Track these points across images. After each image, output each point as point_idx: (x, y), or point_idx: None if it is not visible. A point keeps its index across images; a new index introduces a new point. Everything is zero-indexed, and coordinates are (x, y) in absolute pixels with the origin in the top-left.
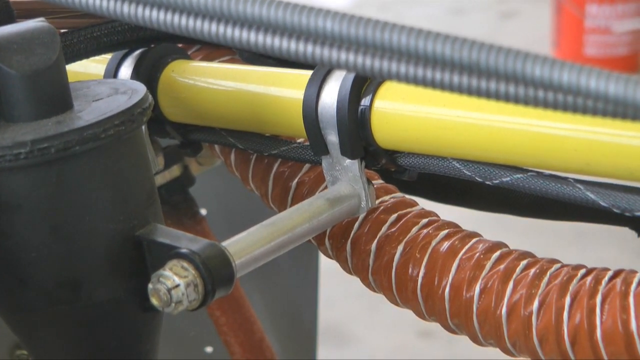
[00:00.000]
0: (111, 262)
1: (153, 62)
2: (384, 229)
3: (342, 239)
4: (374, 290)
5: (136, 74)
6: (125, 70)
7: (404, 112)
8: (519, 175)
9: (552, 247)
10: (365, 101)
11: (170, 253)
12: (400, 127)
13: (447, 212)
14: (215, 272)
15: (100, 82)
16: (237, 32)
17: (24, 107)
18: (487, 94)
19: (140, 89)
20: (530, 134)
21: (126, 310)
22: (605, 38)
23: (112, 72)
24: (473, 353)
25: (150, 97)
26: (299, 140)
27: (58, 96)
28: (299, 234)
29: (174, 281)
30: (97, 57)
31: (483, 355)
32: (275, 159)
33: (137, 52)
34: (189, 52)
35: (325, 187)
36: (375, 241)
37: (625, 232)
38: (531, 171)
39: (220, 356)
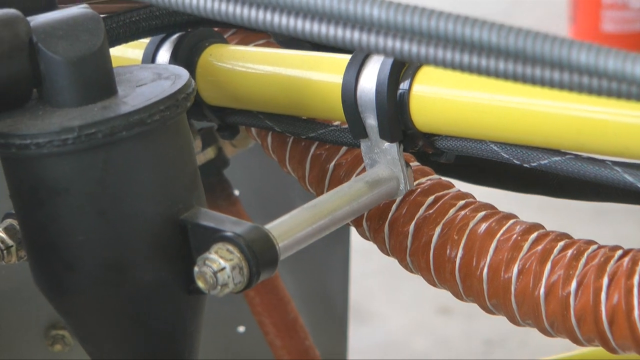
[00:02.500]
0: (156, 246)
1: (191, 46)
2: (421, 210)
3: (380, 220)
4: (412, 272)
5: (174, 59)
6: (164, 55)
7: (443, 96)
8: (557, 158)
9: (570, 225)
10: (404, 85)
11: (214, 236)
12: (438, 111)
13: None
14: (260, 255)
15: (143, 67)
16: (276, 18)
17: (69, 92)
18: (533, 81)
19: (184, 74)
20: (570, 117)
21: (171, 292)
22: (622, 14)
23: (150, 56)
24: (492, 330)
25: (193, 82)
26: (335, 123)
27: (103, 82)
28: (340, 216)
29: (220, 264)
30: (133, 42)
31: (502, 334)
32: (312, 141)
33: (175, 36)
34: (225, 36)
35: (362, 170)
36: (413, 223)
37: None
38: (569, 154)
39: (252, 336)
